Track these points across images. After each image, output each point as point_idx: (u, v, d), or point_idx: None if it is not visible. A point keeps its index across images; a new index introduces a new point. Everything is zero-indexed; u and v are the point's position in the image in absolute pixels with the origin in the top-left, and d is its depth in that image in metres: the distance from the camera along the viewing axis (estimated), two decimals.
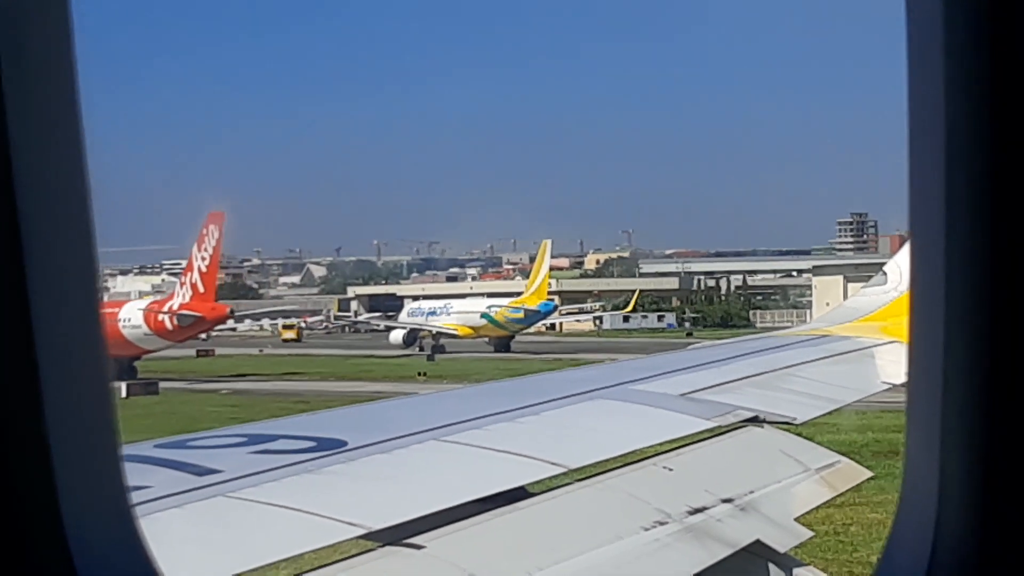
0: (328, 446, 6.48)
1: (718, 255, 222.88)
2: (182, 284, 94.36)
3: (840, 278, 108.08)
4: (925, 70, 2.49)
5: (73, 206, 2.56)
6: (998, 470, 2.46)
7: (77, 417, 2.59)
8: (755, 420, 8.63)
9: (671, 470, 7.33)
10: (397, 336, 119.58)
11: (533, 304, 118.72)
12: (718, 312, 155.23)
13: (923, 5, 2.51)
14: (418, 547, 5.34)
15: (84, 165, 2.57)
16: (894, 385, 10.60)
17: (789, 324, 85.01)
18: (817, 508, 8.00)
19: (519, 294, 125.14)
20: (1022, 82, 2.38)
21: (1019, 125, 2.39)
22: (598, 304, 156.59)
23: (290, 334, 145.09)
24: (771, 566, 6.88)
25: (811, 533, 7.58)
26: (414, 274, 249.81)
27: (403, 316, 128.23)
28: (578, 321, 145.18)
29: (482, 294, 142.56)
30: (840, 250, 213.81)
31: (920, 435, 2.66)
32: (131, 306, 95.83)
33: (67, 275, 2.58)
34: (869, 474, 8.95)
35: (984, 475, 2.48)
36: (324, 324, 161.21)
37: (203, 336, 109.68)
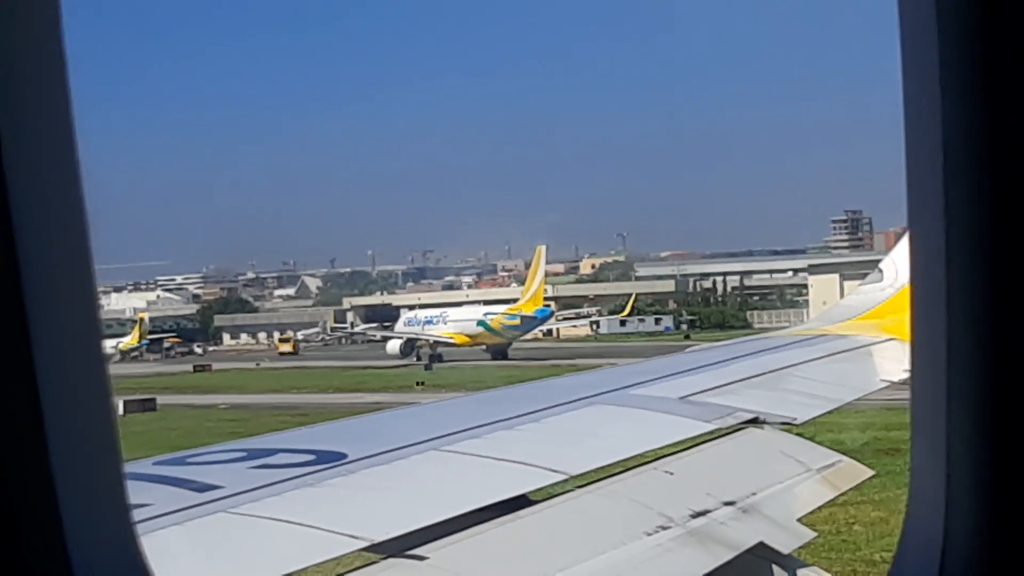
0: (328, 459, 6.47)
1: (713, 256, 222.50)
2: None
3: (836, 276, 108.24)
4: (920, 64, 2.48)
5: (69, 219, 2.55)
6: (1006, 470, 2.44)
7: (78, 433, 2.58)
8: (755, 421, 8.62)
9: (672, 474, 7.31)
10: (394, 346, 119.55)
11: (529, 310, 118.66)
12: (715, 314, 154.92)
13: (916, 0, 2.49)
14: (421, 558, 5.33)
15: (79, 176, 2.55)
16: (893, 383, 10.61)
17: (786, 324, 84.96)
18: (819, 508, 7.98)
19: (515, 301, 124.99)
20: (1018, 73, 2.37)
21: (1016, 117, 2.37)
22: (595, 309, 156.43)
23: (286, 347, 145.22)
24: (775, 568, 6.87)
25: (814, 533, 7.56)
26: (409, 283, 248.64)
27: (399, 326, 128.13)
28: (575, 326, 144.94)
29: (478, 302, 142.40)
30: (835, 248, 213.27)
31: (926, 437, 2.65)
32: None
33: (65, 290, 2.57)
34: (870, 472, 8.94)
35: (992, 475, 2.46)
36: (321, 336, 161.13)
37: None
